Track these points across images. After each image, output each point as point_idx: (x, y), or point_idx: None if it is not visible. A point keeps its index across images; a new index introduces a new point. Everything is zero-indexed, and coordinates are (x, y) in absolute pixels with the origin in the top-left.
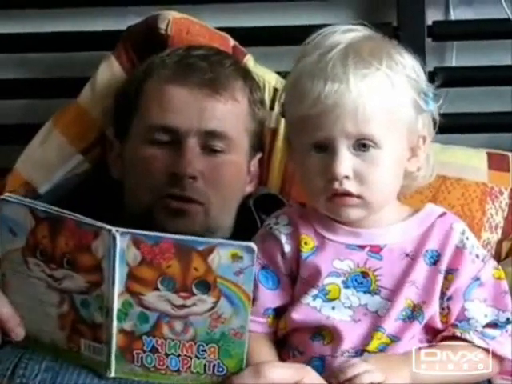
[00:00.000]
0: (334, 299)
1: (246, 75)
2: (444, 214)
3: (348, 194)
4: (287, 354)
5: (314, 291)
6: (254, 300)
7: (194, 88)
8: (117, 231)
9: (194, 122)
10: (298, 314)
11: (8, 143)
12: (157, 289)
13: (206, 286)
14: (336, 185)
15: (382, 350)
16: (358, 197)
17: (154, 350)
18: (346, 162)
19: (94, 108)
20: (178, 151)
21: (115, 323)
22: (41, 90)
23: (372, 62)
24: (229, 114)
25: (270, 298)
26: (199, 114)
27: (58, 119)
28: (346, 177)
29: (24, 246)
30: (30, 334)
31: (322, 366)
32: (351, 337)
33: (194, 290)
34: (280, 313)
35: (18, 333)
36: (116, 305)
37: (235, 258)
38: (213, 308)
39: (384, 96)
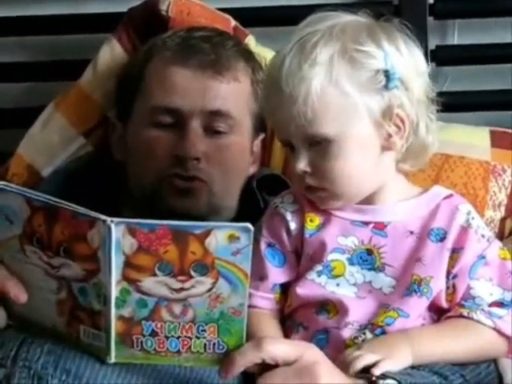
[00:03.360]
0: (338, 276)
1: (248, 56)
2: (451, 195)
3: (314, 188)
4: (291, 329)
5: (319, 267)
6: (263, 277)
7: (196, 69)
8: (111, 221)
9: (197, 103)
10: (302, 289)
11: (9, 127)
12: (154, 274)
13: (203, 268)
14: (302, 179)
15: (390, 323)
16: (323, 189)
17: (153, 333)
18: (302, 158)
19: (95, 90)
20: (181, 133)
21: (113, 311)
22: (42, 73)
23: (309, 56)
24: (232, 94)
25: (277, 274)
26: (202, 95)
27: (60, 102)
28: (305, 172)
29: (21, 233)
30: (32, 319)
31: (326, 339)
32: (356, 311)
33: (192, 273)
34: (287, 290)
35: (17, 293)
36: (114, 293)
37: (232, 238)
38: (211, 289)
39: (321, 93)
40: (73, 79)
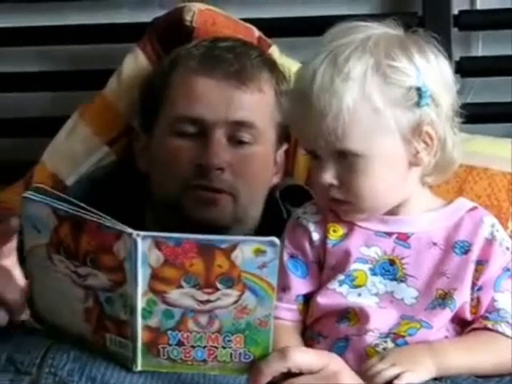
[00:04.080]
0: (360, 286)
1: (272, 66)
2: (475, 207)
3: (338, 200)
4: (312, 340)
5: (341, 276)
6: (286, 288)
7: (220, 79)
8: (137, 235)
9: (221, 113)
10: (323, 299)
11: (34, 136)
12: (180, 286)
13: (230, 280)
14: (327, 191)
15: (412, 334)
16: (348, 202)
17: (179, 343)
18: (329, 170)
19: (119, 100)
20: (204, 143)
21: (140, 321)
22: (67, 83)
23: (342, 70)
24: (256, 104)
25: (300, 285)
26: (226, 105)
27: (84, 111)
28: (331, 185)
29: (48, 242)
30: (60, 324)
31: (345, 346)
32: (377, 319)
33: (218, 286)
34: (309, 300)
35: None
36: (140, 304)
37: (258, 252)
38: (237, 301)
39: (353, 109)
40: (97, 89)
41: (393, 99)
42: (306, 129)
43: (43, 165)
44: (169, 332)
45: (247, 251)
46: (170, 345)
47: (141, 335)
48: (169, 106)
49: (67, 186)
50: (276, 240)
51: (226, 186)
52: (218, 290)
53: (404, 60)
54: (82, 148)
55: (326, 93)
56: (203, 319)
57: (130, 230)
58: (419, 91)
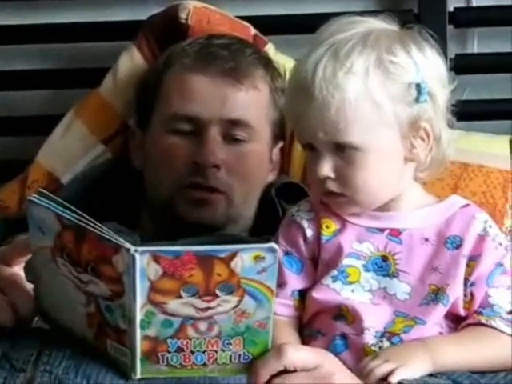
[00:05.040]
0: (353, 282)
1: (267, 64)
2: (467, 205)
3: (333, 193)
4: (310, 337)
5: (334, 272)
6: (282, 284)
7: (215, 77)
8: (135, 251)
9: (215, 111)
10: (318, 294)
11: (30, 134)
12: (180, 297)
13: (229, 287)
14: (322, 184)
15: (407, 331)
16: (342, 195)
17: (179, 349)
18: (326, 163)
19: (115, 98)
20: (199, 140)
21: (138, 331)
22: (62, 81)
23: (344, 64)
24: (250, 102)
25: (295, 281)
26: (221, 103)
27: (80, 109)
28: (328, 177)
29: (52, 245)
30: (63, 325)
31: (344, 344)
32: (371, 317)
33: (218, 293)
34: (305, 297)
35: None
36: (138, 315)
37: (258, 259)
38: (237, 306)
39: (355, 103)
40: (93, 87)
41: (393, 95)
42: (306, 121)
43: (38, 163)
44: (168, 340)
45: (246, 258)
46: (170, 352)
47: (140, 345)
48: (163, 104)
49: (63, 185)
50: (275, 246)
51: (221, 184)
52: (217, 297)
53: (404, 56)
54: (78, 146)
55: (329, 85)
56: (203, 326)
57: (128, 246)
58: (418, 87)
